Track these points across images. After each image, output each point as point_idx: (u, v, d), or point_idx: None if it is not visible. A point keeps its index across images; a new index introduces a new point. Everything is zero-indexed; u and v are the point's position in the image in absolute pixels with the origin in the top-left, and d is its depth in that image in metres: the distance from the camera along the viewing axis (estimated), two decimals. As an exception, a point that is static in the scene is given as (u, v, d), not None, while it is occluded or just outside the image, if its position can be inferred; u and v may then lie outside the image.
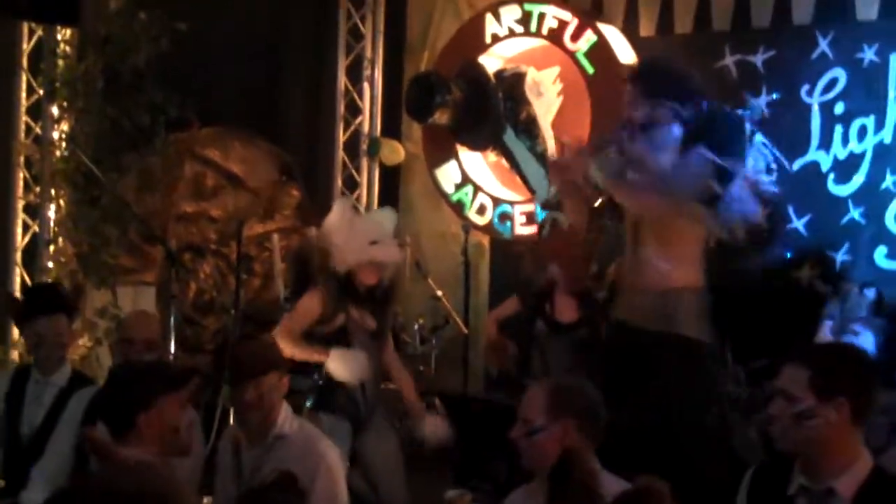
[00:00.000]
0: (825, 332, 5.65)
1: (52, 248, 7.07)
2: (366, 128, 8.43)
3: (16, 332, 6.56)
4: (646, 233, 4.66)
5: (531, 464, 3.39)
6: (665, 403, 4.54)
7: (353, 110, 8.43)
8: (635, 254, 4.69)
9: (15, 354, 6.86)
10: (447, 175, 7.75)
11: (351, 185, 8.43)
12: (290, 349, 4.97)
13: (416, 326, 7.21)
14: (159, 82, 6.85)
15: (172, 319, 6.56)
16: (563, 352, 5.83)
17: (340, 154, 8.41)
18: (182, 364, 5.12)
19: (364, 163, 8.43)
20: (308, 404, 5.67)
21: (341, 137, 8.41)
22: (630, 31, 7.24)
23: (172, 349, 6.38)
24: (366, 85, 8.43)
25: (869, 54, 6.39)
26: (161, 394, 3.33)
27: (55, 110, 6.97)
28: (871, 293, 5.68)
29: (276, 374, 4.05)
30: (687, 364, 4.55)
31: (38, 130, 7.17)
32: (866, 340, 5.55)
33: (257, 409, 4.02)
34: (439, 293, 7.25)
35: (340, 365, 5.22)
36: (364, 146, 8.40)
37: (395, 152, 8.30)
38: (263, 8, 7.95)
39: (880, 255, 6.30)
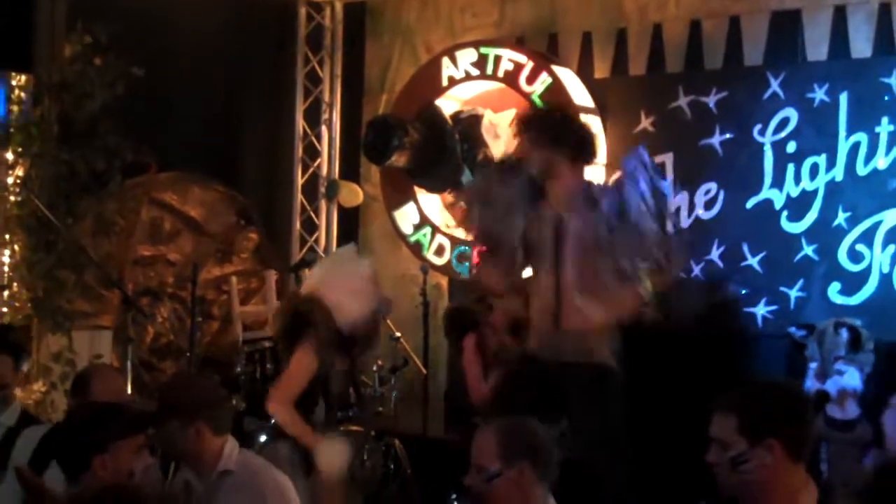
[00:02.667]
0: (810, 376, 5.71)
1: (6, 293, 7.01)
2: (324, 170, 8.46)
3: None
4: (567, 281, 4.91)
5: None
6: (590, 427, 4.74)
7: (312, 153, 8.46)
8: (559, 302, 4.92)
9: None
10: (405, 216, 7.77)
11: (310, 227, 8.44)
12: (284, 419, 4.96)
13: (374, 367, 7.19)
14: (116, 127, 6.83)
15: (129, 363, 6.54)
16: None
17: (299, 197, 8.42)
18: (140, 408, 5.06)
19: (323, 205, 8.45)
20: (263, 439, 5.64)
21: (300, 180, 8.43)
22: (585, 73, 7.32)
23: (130, 393, 6.35)
24: (324, 128, 8.47)
25: (819, 94, 6.49)
26: (117, 437, 3.31)
27: (10, 156, 6.93)
28: (845, 332, 5.74)
29: (175, 422, 3.96)
30: (605, 389, 4.91)
31: (-8, 176, 7.13)
32: (852, 377, 5.61)
33: (171, 453, 4.00)
34: (398, 334, 7.26)
35: (331, 458, 5.21)
36: (322, 189, 8.43)
37: (353, 194, 8.32)
38: (221, 52, 7.97)
39: (834, 291, 6.36)
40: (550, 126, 5.16)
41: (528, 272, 5.24)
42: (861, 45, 6.49)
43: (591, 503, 4.60)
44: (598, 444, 4.82)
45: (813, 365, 5.74)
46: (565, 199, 5.00)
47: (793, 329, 6.00)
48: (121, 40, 6.78)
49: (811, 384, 5.69)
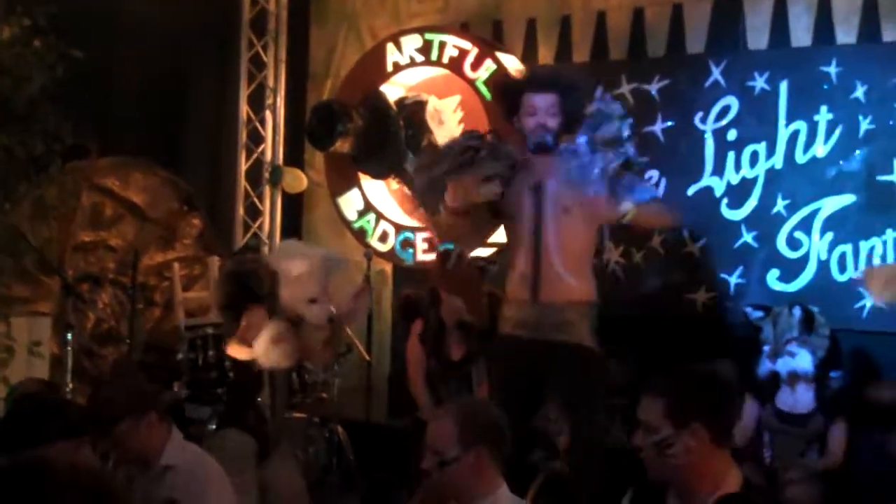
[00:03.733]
0: (764, 358, 5.75)
1: (-58, 279, 6.94)
2: (268, 156, 8.41)
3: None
4: (550, 249, 4.83)
5: (446, 494, 3.40)
6: (571, 405, 4.91)
7: (256, 139, 8.41)
8: (538, 270, 4.84)
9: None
10: (350, 203, 7.76)
11: (253, 213, 8.40)
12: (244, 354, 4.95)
13: (318, 354, 7.18)
14: (56, 110, 6.75)
15: (69, 350, 6.48)
16: (458, 390, 5.90)
17: (243, 182, 8.37)
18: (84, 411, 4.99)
19: (267, 191, 8.41)
20: (213, 426, 5.62)
21: (243, 166, 8.38)
22: (529, 59, 7.33)
23: (70, 381, 6.30)
24: (268, 113, 8.42)
25: (760, 82, 6.54)
26: (57, 437, 3.28)
27: (-54, 139, 6.84)
28: (798, 311, 5.77)
29: (128, 421, 3.94)
30: (586, 370, 4.85)
31: (-71, 159, 7.03)
32: (804, 359, 5.64)
33: (120, 453, 3.97)
34: (342, 320, 7.24)
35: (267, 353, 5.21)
36: (266, 174, 8.38)
37: (297, 180, 8.29)
38: (165, 36, 7.89)
39: (773, 277, 6.44)
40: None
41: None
42: (801, 34, 6.54)
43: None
44: (582, 430, 4.90)
45: (766, 347, 5.77)
46: (546, 162, 4.93)
47: (749, 309, 6.01)
48: (61, 22, 6.69)
49: (765, 367, 5.71)
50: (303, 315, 5.31)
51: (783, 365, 5.65)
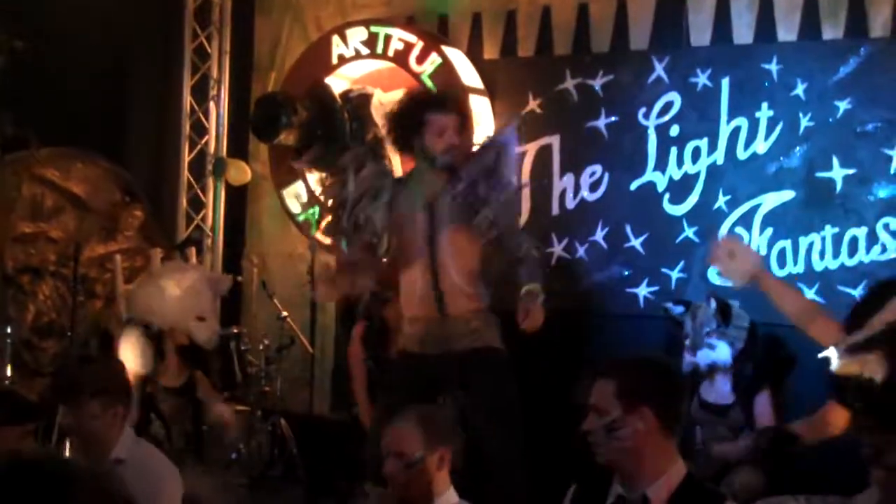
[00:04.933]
0: (685, 351, 5.81)
1: None
2: (212, 148, 8.36)
3: None
4: (446, 264, 4.89)
5: (408, 495, 3.44)
6: (489, 408, 4.94)
7: (199, 130, 8.35)
8: (438, 285, 4.90)
9: None
10: (294, 195, 7.73)
11: (196, 205, 8.34)
12: None
13: (261, 346, 7.17)
14: (-4, 101, 6.67)
15: (9, 342, 6.42)
16: None
17: (186, 174, 8.32)
18: (29, 398, 4.94)
19: (210, 183, 8.35)
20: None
21: (187, 157, 8.32)
22: (474, 54, 7.34)
23: (9, 373, 6.24)
24: (212, 105, 8.37)
25: (702, 79, 6.60)
26: (2, 423, 3.26)
27: None
28: (713, 304, 5.83)
29: (96, 402, 3.91)
30: (500, 370, 4.96)
31: None
32: (722, 351, 5.69)
33: (78, 434, 3.94)
34: (285, 313, 7.24)
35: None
36: (210, 166, 8.33)
37: (241, 172, 8.25)
38: (107, 25, 7.81)
39: (713, 272, 6.46)
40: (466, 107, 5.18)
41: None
42: (743, 31, 6.61)
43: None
44: (494, 425, 4.92)
45: (687, 341, 5.84)
46: (440, 181, 4.97)
47: (669, 304, 6.07)
48: (2, 12, 6.62)
49: (687, 360, 5.78)
50: (191, 333, 5.32)
51: (703, 357, 5.71)
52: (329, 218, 5.12)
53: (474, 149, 5.12)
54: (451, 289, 4.91)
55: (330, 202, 5.07)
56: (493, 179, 4.89)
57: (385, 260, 5.13)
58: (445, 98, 5.18)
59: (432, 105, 4.99)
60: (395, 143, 5.09)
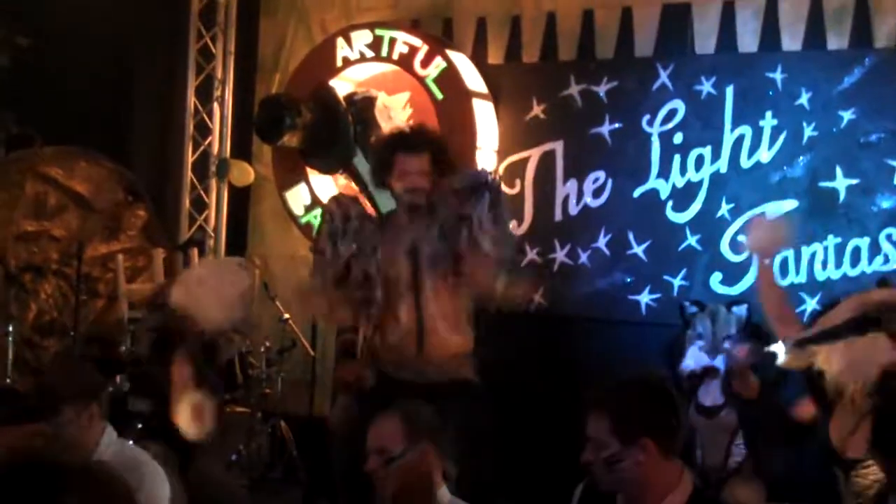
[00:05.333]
0: (694, 352, 5.82)
1: None
2: (215, 149, 8.36)
3: None
4: (431, 311, 4.83)
5: (388, 491, 3.41)
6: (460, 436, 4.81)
7: (203, 131, 8.35)
8: (421, 328, 4.83)
9: None
10: (297, 197, 7.73)
11: (199, 206, 8.34)
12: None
13: (262, 349, 7.17)
14: (1, 99, 6.68)
15: (11, 340, 6.42)
16: None
17: (189, 174, 8.32)
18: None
19: (213, 184, 8.35)
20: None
21: (190, 158, 8.32)
22: (479, 58, 7.35)
23: (10, 372, 6.25)
24: (216, 105, 8.36)
25: (707, 86, 6.61)
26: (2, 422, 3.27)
27: None
28: (740, 311, 5.85)
29: (70, 408, 3.91)
30: (474, 401, 4.86)
31: None
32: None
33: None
34: (286, 316, 7.24)
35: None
36: (213, 167, 8.33)
37: (244, 174, 8.25)
38: (112, 25, 7.82)
39: (715, 280, 6.51)
40: (441, 145, 5.01)
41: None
42: (748, 39, 6.62)
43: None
44: (465, 454, 4.91)
45: (700, 342, 5.85)
46: (420, 226, 4.87)
47: (686, 303, 6.08)
48: (5, 10, 6.62)
49: (694, 362, 5.80)
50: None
51: (721, 362, 5.76)
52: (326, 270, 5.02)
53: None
54: (433, 337, 4.83)
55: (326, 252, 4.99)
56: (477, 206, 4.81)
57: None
58: (413, 138, 4.95)
59: (399, 145, 4.88)
60: (377, 183, 5.07)
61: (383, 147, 5.02)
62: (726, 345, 5.75)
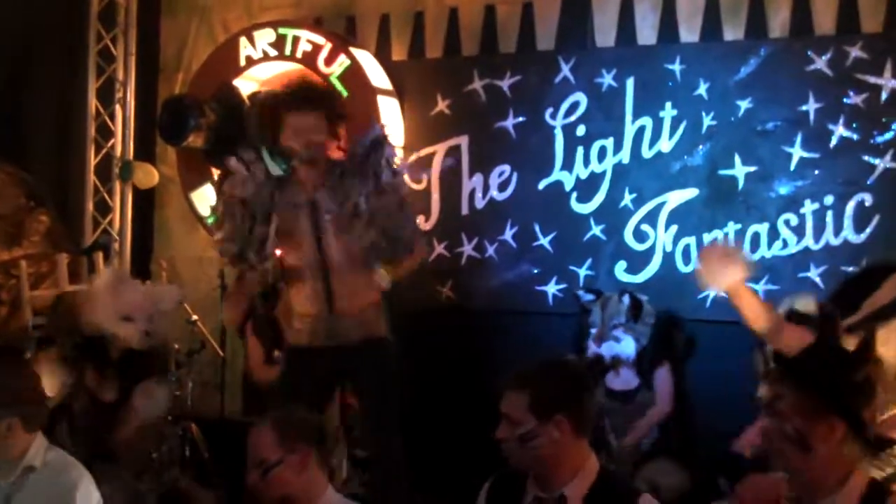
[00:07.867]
0: (590, 340, 5.92)
1: None
2: (118, 151, 8.24)
3: None
4: (335, 264, 4.89)
5: (272, 498, 3.39)
6: (370, 392, 5.04)
7: (105, 133, 8.23)
8: (328, 284, 4.90)
9: None
10: (203, 198, 7.67)
11: (103, 209, 8.22)
12: None
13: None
14: None
15: None
16: None
17: (92, 178, 8.19)
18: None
19: (117, 186, 8.24)
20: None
21: (92, 161, 8.18)
22: (383, 55, 7.36)
23: None
24: (118, 107, 8.24)
25: (607, 79, 6.70)
26: None
27: None
28: (627, 299, 5.96)
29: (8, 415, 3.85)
30: (383, 358, 5.01)
31: None
32: (627, 346, 5.84)
33: None
34: (195, 317, 7.18)
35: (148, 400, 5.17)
36: (117, 170, 8.22)
37: (148, 175, 8.16)
38: (8, 27, 7.69)
39: (620, 269, 6.60)
40: (332, 99, 5.10)
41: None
42: (647, 32, 6.72)
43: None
44: (374, 408, 5.03)
45: (593, 330, 5.97)
46: (318, 176, 4.93)
47: (581, 293, 6.20)
48: None
49: (592, 350, 5.92)
50: (115, 333, 5.19)
51: (607, 349, 5.88)
52: (225, 244, 5.00)
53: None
54: (342, 286, 4.89)
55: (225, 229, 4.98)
56: (377, 161, 4.92)
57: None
58: (302, 97, 4.94)
59: (290, 105, 4.89)
60: (266, 147, 5.07)
61: (271, 109, 5.01)
62: (615, 332, 5.86)
